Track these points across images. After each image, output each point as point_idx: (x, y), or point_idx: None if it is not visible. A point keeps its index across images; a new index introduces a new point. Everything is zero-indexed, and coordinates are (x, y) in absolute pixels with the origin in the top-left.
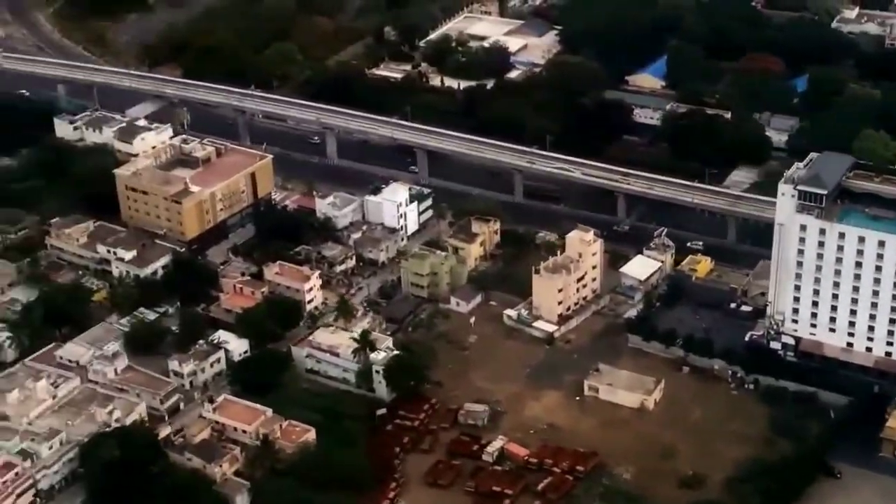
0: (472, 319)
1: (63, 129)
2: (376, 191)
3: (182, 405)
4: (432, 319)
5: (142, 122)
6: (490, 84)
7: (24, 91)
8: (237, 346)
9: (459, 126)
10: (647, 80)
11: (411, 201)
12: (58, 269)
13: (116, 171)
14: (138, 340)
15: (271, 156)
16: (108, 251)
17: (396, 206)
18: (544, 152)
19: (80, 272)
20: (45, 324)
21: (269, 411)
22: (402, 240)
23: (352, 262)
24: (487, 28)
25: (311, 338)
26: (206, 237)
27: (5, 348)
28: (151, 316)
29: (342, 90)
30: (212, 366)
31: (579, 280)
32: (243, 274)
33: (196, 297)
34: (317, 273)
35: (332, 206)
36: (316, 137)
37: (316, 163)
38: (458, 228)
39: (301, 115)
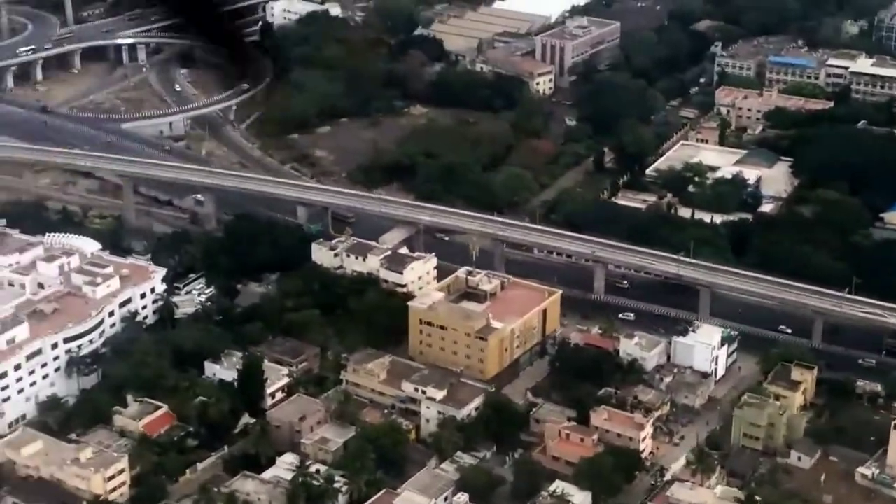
0: (822, 477)
1: (321, 255)
2: (684, 332)
3: None
4: (774, 476)
5: (403, 251)
6: (748, 218)
7: (198, 196)
8: (581, 499)
9: (729, 262)
10: None
11: (721, 344)
12: (360, 407)
13: (411, 305)
14: (472, 489)
15: (560, 291)
16: (416, 389)
17: (711, 349)
18: (849, 295)
19: (386, 411)
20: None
21: None
22: (712, 385)
23: (666, 408)
24: (714, 157)
25: (668, 494)
26: (502, 376)
27: (340, 495)
28: (470, 461)
29: (591, 220)
30: None
31: None
32: (569, 419)
33: (508, 441)
34: (651, 420)
35: (638, 347)
36: (625, 282)
37: (579, 297)
38: (776, 375)
39: (572, 248)
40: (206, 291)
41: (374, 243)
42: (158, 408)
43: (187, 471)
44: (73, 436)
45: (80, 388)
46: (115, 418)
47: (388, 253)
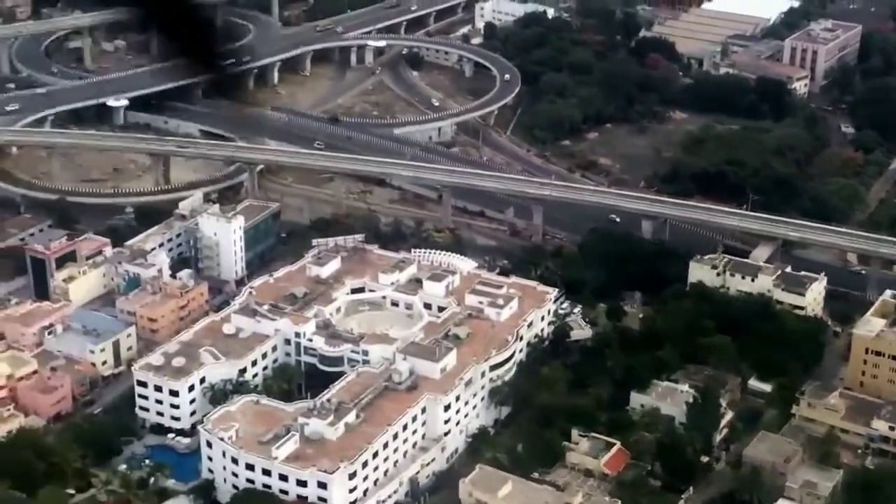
0: None
1: (701, 273)
2: None
3: None
4: None
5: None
6: None
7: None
8: None
9: None
10: None
11: None
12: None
13: (855, 332)
14: None
15: None
16: (892, 428)
17: None
18: None
19: (860, 451)
20: None
21: None
22: None
23: None
24: None
25: None
26: None
27: None
28: None
29: None
30: None
31: None
32: None
33: None
34: None
35: None
36: None
37: None
38: None
39: None
40: (575, 311)
41: (750, 261)
42: (610, 444)
43: None
44: (536, 475)
45: (497, 418)
46: (568, 455)
47: (779, 272)
